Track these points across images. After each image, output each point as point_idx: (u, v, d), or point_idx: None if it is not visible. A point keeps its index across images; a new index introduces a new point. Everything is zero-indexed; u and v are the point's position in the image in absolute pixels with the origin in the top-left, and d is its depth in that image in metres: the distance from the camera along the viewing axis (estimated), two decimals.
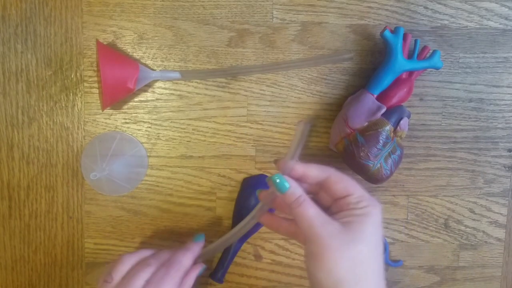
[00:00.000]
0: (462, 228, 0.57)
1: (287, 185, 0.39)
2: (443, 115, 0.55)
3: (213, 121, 0.55)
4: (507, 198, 0.57)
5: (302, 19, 0.54)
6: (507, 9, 0.54)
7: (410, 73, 0.52)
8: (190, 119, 0.55)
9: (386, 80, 0.50)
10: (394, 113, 0.50)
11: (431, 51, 0.51)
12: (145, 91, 0.54)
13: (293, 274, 0.57)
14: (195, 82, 0.54)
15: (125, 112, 0.54)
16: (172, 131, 0.55)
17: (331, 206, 0.41)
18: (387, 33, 0.49)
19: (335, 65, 0.54)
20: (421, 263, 0.57)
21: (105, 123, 0.54)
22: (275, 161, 0.41)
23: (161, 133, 0.55)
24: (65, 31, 0.53)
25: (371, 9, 0.54)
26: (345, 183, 0.40)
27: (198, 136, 0.55)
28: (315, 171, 0.40)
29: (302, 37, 0.54)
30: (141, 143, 0.55)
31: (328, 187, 0.40)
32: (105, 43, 0.53)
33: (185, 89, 0.54)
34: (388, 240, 0.57)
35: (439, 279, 0.57)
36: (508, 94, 0.55)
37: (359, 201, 0.39)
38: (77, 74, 0.54)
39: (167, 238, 0.56)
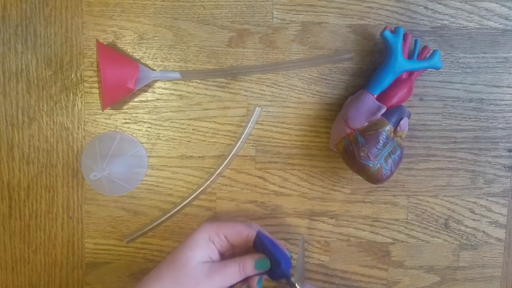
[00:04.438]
0: (462, 228, 0.57)
1: None
2: (443, 115, 0.55)
3: (213, 121, 0.55)
4: (507, 198, 0.57)
5: (302, 19, 0.54)
6: (507, 9, 0.54)
7: (410, 73, 0.52)
8: (190, 119, 0.55)
9: (386, 80, 0.50)
10: (394, 113, 0.50)
11: (431, 51, 0.51)
12: (145, 91, 0.54)
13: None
14: (195, 82, 0.54)
15: (125, 112, 0.54)
16: (172, 131, 0.55)
17: None
18: (387, 33, 0.49)
19: (335, 65, 0.54)
20: (421, 263, 0.57)
21: (105, 123, 0.54)
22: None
23: (161, 133, 0.55)
24: (65, 31, 0.53)
25: (371, 9, 0.54)
26: None
27: (198, 136, 0.55)
28: None
29: (302, 37, 0.54)
30: (141, 143, 0.55)
31: None
32: (105, 43, 0.53)
33: (185, 89, 0.54)
34: (388, 240, 0.57)
35: (439, 279, 0.57)
36: (508, 94, 0.55)
37: None
38: (77, 74, 0.54)
39: (167, 238, 0.56)
